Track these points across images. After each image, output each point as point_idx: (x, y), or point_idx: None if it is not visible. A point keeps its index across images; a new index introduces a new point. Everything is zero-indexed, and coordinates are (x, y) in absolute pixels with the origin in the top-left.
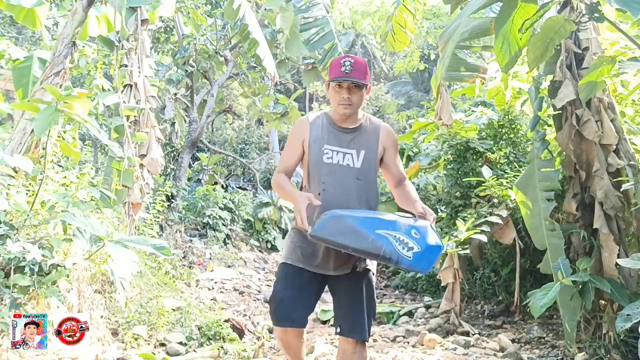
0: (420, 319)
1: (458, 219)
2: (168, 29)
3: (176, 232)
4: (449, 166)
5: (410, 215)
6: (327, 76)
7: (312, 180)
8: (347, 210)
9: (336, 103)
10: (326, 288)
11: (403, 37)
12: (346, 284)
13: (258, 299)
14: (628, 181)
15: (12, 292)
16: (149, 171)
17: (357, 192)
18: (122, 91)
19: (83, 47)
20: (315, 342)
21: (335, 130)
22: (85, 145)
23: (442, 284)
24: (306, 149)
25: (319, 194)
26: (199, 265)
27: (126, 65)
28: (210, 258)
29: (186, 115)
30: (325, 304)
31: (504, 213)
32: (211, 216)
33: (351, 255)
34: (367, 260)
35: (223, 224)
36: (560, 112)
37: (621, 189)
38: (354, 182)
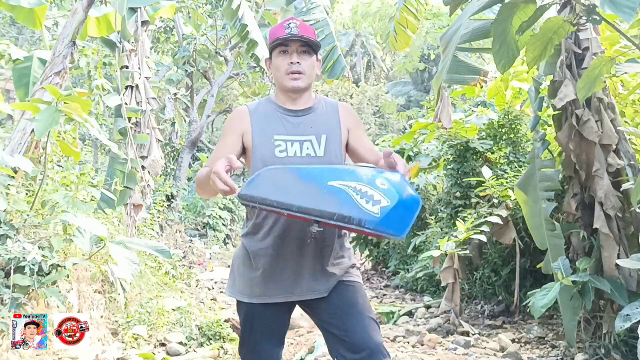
0: (420, 319)
1: (458, 219)
2: (168, 29)
3: (176, 232)
4: (449, 166)
5: (373, 166)
6: (326, 77)
7: None
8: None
9: (282, 74)
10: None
11: (405, 38)
12: (334, 297)
13: None
14: (628, 181)
15: (12, 292)
16: (149, 172)
17: None
18: (123, 93)
19: (83, 47)
20: (315, 342)
21: (284, 114)
22: (85, 145)
23: (442, 284)
24: (249, 145)
25: None
26: (199, 265)
27: (127, 67)
28: (210, 258)
29: (186, 115)
30: None
31: (504, 213)
32: (211, 216)
33: (324, 262)
34: (353, 270)
35: (223, 224)
36: (560, 112)
37: (621, 189)
38: None
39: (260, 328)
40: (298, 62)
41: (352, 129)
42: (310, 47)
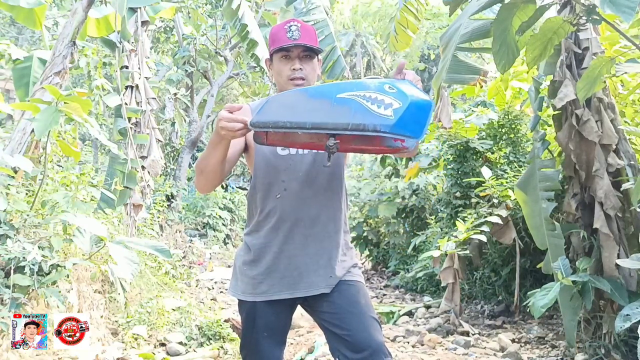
0: (420, 319)
1: (458, 219)
2: (168, 29)
3: (176, 232)
4: (449, 166)
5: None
6: (326, 77)
7: (266, 182)
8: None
9: (285, 79)
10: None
11: (405, 38)
12: (335, 296)
13: None
14: (628, 181)
15: (12, 292)
16: (149, 172)
17: (326, 182)
18: (123, 93)
19: (83, 47)
20: (315, 342)
21: None
22: (85, 145)
23: (442, 284)
24: (251, 143)
25: (278, 195)
26: (199, 265)
27: (127, 67)
28: (210, 258)
29: (186, 115)
30: None
31: (504, 213)
32: (211, 216)
33: (326, 253)
34: (355, 270)
35: (223, 224)
36: (560, 112)
37: (621, 189)
38: (320, 170)
39: (262, 327)
40: (300, 69)
41: None
42: (312, 50)
